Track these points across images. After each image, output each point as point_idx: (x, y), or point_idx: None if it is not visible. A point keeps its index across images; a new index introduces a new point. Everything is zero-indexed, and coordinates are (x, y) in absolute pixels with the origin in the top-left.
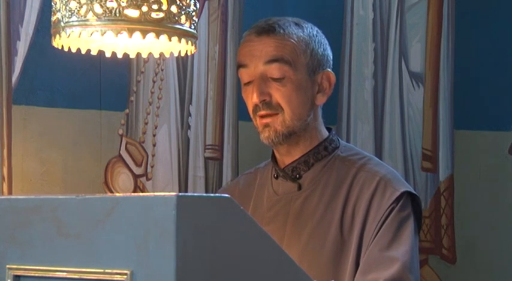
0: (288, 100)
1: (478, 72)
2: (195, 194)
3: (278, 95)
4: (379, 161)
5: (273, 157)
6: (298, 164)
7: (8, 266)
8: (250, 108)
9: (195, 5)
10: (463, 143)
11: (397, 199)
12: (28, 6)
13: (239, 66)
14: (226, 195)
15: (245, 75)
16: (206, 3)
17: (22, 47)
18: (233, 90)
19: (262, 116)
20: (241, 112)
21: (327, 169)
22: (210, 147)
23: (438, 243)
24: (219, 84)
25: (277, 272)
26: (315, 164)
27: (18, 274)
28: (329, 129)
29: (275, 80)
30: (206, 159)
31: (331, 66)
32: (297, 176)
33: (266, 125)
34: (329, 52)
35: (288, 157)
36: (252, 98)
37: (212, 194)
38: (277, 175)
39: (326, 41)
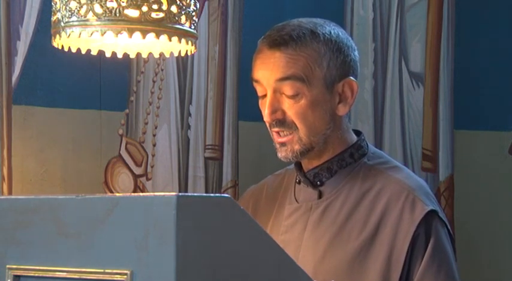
0: (303, 117)
1: (478, 72)
2: (195, 194)
3: (292, 112)
4: (409, 171)
5: (297, 162)
6: (321, 170)
7: (8, 266)
8: (266, 122)
9: (195, 5)
10: (463, 143)
11: (426, 218)
12: (28, 6)
13: (252, 79)
14: (226, 195)
15: (259, 89)
16: (206, 3)
17: (22, 47)
18: (233, 90)
19: (277, 133)
20: (241, 112)
21: (351, 178)
22: (210, 147)
23: None
24: (219, 84)
25: (277, 272)
26: (338, 172)
27: (18, 274)
28: (358, 133)
29: (288, 97)
30: (206, 159)
31: (357, 70)
32: (318, 182)
33: (283, 144)
34: (352, 57)
35: (310, 165)
36: (264, 116)
37: (212, 194)
38: (299, 180)
39: (350, 44)
